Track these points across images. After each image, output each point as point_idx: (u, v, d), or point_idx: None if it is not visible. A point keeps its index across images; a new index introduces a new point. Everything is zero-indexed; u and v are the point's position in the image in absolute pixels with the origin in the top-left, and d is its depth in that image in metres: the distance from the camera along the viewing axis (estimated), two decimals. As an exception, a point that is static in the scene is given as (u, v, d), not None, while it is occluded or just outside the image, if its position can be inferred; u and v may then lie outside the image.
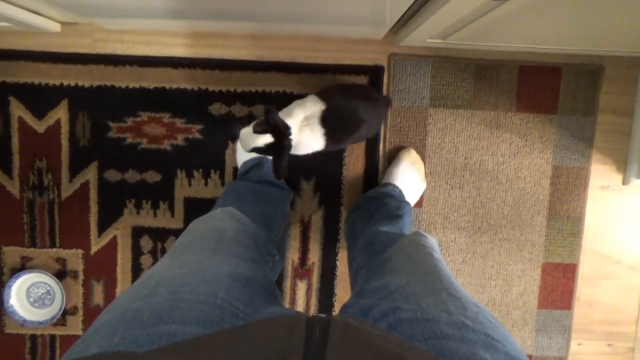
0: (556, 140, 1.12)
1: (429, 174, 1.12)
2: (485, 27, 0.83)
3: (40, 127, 1.09)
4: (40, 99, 1.09)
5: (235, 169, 1.10)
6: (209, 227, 0.69)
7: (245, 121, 1.08)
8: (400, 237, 0.80)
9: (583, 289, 1.16)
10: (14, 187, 1.11)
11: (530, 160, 1.12)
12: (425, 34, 0.93)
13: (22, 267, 1.13)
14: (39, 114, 1.09)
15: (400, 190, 1.05)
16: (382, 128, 1.11)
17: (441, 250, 1.12)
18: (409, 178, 1.07)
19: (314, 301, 1.15)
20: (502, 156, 1.12)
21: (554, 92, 1.11)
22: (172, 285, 0.47)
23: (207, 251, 0.60)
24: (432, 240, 0.75)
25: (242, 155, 1.05)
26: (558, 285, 1.15)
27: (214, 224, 0.71)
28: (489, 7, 0.72)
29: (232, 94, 1.09)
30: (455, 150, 1.12)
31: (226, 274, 0.53)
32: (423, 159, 1.11)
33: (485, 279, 1.15)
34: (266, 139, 0.80)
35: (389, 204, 0.99)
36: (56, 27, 1.04)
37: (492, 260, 1.14)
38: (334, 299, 1.15)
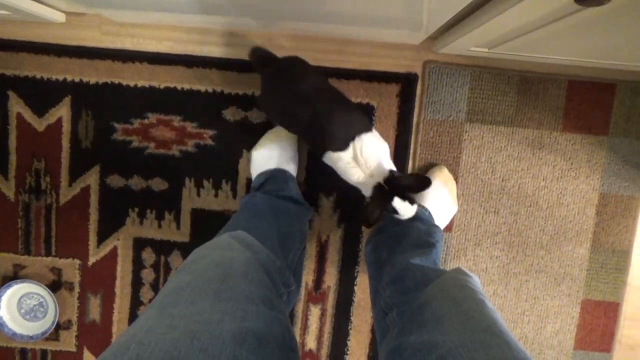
0: (605, 165, 1.01)
1: (461, 196, 1.01)
2: (542, 38, 0.73)
3: (40, 125, 1.01)
4: (41, 94, 1.00)
5: (249, 180, 1.01)
6: (212, 261, 0.58)
7: (263, 128, 0.99)
8: (437, 272, 0.70)
9: (625, 331, 1.05)
10: (9, 189, 1.02)
11: (575, 185, 1.01)
12: (470, 43, 0.82)
13: (15, 275, 1.04)
14: (40, 111, 1.00)
15: (429, 213, 0.94)
16: (412, 142, 1.00)
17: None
18: (440, 199, 0.97)
19: (327, 328, 1.05)
20: (544, 180, 1.01)
21: (606, 111, 0.99)
22: None
23: (208, 297, 0.48)
24: (477, 280, 0.64)
25: (258, 166, 0.96)
26: (598, 325, 1.04)
27: (219, 256, 0.60)
28: (559, 14, 0.61)
29: (249, 97, 1.00)
30: (492, 171, 1.01)
31: (230, 335, 0.42)
32: (456, 179, 1.01)
33: (518, 314, 1.04)
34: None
35: (419, 228, 0.89)
36: (61, 17, 0.95)
37: (527, 294, 1.03)
38: (349, 327, 1.05)
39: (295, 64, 0.80)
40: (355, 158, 0.74)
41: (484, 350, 0.44)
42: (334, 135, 0.73)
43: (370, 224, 0.74)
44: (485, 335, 0.46)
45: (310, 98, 0.74)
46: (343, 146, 0.73)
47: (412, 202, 0.74)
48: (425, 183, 0.73)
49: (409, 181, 0.74)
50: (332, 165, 0.78)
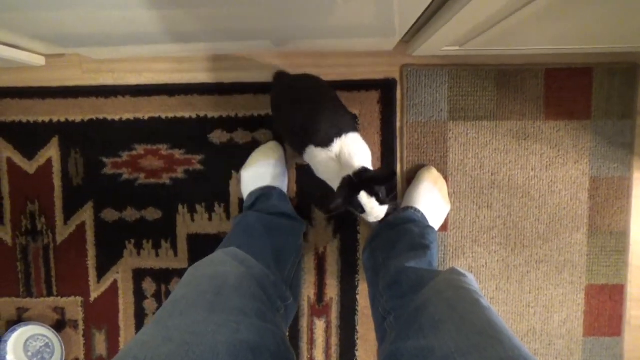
0: (592, 149, 1.01)
1: (452, 194, 1.02)
2: (507, 30, 0.74)
3: (30, 167, 1.02)
4: (29, 137, 1.02)
5: (241, 200, 1.02)
6: (206, 275, 0.59)
7: (249, 148, 1.00)
8: (432, 274, 0.70)
9: (634, 312, 1.04)
10: (5, 234, 1.03)
11: (565, 172, 1.01)
12: (441, 42, 0.83)
13: (19, 319, 1.05)
14: (29, 154, 1.02)
15: (422, 214, 0.95)
16: (398, 146, 1.01)
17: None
18: (431, 200, 0.97)
19: (334, 340, 1.05)
20: (532, 170, 1.01)
21: (585, 95, 1.00)
22: None
23: (202, 309, 0.49)
24: (472, 278, 0.64)
25: (248, 186, 0.96)
26: (605, 309, 1.03)
27: (213, 271, 0.61)
28: (513, 8, 0.63)
29: (234, 119, 1.01)
30: (481, 166, 1.01)
31: (225, 348, 0.43)
32: (445, 178, 1.01)
33: (523, 306, 1.03)
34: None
35: (412, 231, 0.89)
36: (40, 60, 0.97)
37: (529, 285, 1.03)
38: (355, 337, 1.04)
39: (301, 76, 0.87)
40: (338, 155, 0.75)
41: (478, 353, 0.44)
42: (321, 130, 0.75)
43: (329, 212, 0.74)
44: (480, 338, 0.46)
45: (305, 95, 0.80)
46: (327, 142, 0.75)
47: (381, 201, 0.74)
48: (390, 175, 0.73)
49: (373, 173, 0.74)
50: (310, 161, 0.80)
